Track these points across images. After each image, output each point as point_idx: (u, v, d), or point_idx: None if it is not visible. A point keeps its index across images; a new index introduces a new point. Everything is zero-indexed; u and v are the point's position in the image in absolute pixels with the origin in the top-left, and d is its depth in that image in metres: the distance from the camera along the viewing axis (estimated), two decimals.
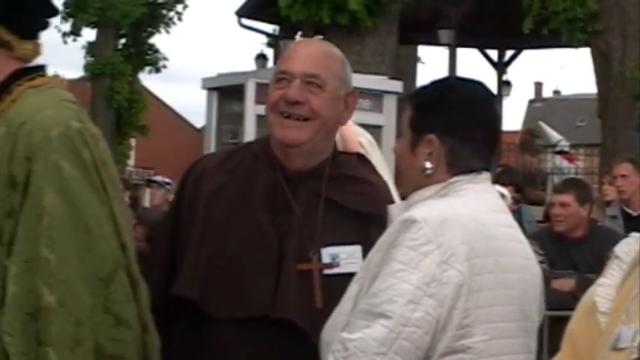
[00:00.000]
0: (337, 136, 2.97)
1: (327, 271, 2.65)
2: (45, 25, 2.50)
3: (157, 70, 28.10)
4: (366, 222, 2.70)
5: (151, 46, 27.98)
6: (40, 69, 2.47)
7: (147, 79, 31.34)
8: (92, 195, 2.29)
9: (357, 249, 2.67)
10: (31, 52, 2.43)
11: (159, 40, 45.79)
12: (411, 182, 2.48)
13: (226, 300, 2.63)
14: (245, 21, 18.71)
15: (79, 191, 2.27)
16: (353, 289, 2.35)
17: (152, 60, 27.91)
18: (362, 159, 2.93)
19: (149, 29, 27.59)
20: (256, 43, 35.09)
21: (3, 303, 2.24)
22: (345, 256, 2.67)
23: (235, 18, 18.57)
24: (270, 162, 2.74)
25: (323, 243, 2.67)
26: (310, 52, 2.76)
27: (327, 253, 2.66)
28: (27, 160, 2.26)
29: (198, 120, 38.01)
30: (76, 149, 2.29)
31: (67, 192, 2.26)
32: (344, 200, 2.72)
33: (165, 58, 28.16)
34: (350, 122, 3.05)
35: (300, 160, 2.72)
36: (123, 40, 27.09)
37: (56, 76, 2.50)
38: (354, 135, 3.35)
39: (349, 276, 2.47)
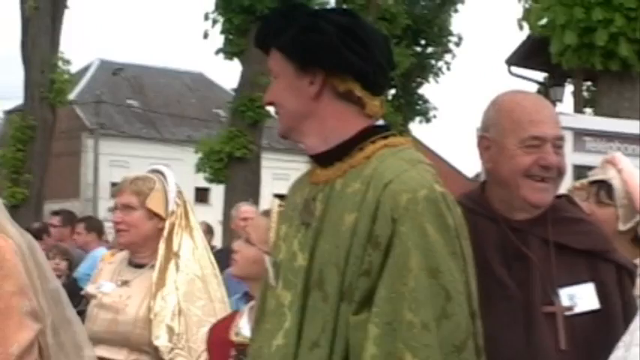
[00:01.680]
0: (620, 187, 3.34)
1: (567, 313, 2.68)
2: (390, 82, 2.58)
3: (428, 120, 28.65)
4: (593, 259, 2.75)
5: (421, 97, 28.63)
6: (387, 128, 2.49)
7: (417, 129, 31.86)
8: (452, 261, 2.26)
9: (590, 287, 2.72)
10: (378, 109, 2.45)
11: (428, 89, 46.43)
12: None
13: None
14: (515, 69, 19.08)
15: (441, 256, 2.25)
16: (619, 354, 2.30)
17: (422, 110, 28.53)
18: (569, 200, 2.96)
19: (418, 79, 28.26)
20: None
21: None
22: (580, 296, 2.70)
23: (505, 66, 19.01)
24: (491, 216, 2.76)
25: (560, 285, 2.70)
26: (550, 111, 2.80)
27: (565, 295, 2.70)
28: (392, 221, 2.25)
29: (470, 168, 38.19)
30: (440, 213, 2.27)
31: (431, 256, 2.24)
32: (572, 242, 2.75)
33: (434, 108, 28.73)
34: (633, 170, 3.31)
35: (525, 212, 2.76)
36: (393, 91, 27.48)
37: (406, 137, 2.55)
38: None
39: (586, 315, 2.65)
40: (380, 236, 2.25)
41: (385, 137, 2.42)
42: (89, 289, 4.03)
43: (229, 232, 13.59)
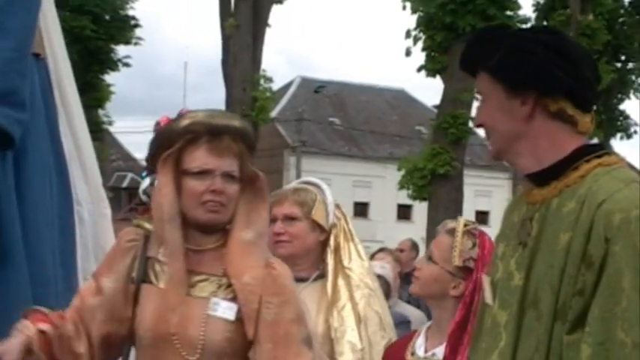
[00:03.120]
0: None
1: None
2: (597, 98, 2.54)
3: (629, 137, 27.99)
4: None
5: (622, 113, 27.99)
6: (601, 146, 2.48)
7: (618, 145, 31.19)
8: None
9: None
10: (589, 126, 2.44)
11: (629, 105, 45.19)
12: None
13: None
14: None
15: None
16: None
17: (623, 126, 27.89)
18: None
19: (619, 95, 27.65)
20: None
21: None
22: None
23: None
24: None
25: None
26: None
27: None
28: (605, 241, 2.23)
29: None
30: None
31: None
32: None
33: (635, 124, 28.02)
34: None
35: None
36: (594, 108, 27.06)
37: (618, 155, 2.48)
38: None
39: None
40: (593, 256, 2.24)
41: (599, 156, 2.40)
42: None
43: None
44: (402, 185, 20.00)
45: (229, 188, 2.99)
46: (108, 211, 3.71)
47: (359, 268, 3.85)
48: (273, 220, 3.80)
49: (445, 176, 18.85)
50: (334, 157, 42.46)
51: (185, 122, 3.01)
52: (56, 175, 3.39)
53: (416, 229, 26.59)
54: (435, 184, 18.95)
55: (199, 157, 2.98)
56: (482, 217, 41.52)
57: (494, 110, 2.46)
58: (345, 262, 3.84)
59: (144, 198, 4.88)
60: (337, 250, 3.85)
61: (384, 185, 39.78)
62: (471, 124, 19.14)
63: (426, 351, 3.25)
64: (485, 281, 2.55)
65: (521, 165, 2.48)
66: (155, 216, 3.01)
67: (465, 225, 3.30)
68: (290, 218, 3.81)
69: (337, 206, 3.93)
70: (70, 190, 3.46)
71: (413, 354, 3.27)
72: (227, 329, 2.97)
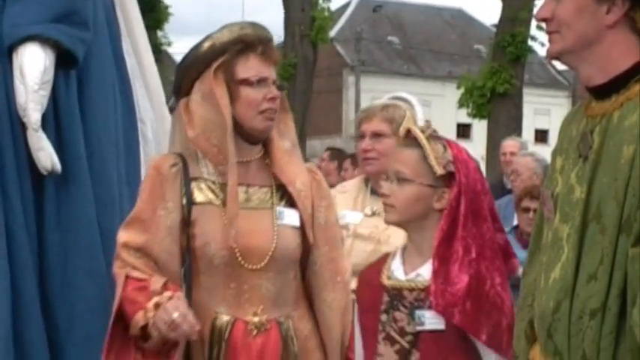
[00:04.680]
0: None
1: None
2: None
3: None
4: None
5: None
6: None
7: None
8: None
9: None
10: None
11: None
12: None
13: None
14: None
15: None
16: None
17: None
18: None
19: None
20: None
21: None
22: None
23: None
24: None
25: None
26: None
27: None
28: None
29: None
30: None
31: None
32: None
33: None
34: None
35: None
36: None
37: None
38: None
39: None
40: None
41: None
42: None
43: (492, 167, 13.56)
44: (461, 103, 19.85)
45: (279, 96, 3.04)
46: None
47: None
48: (361, 136, 3.85)
49: (504, 94, 18.65)
50: (393, 76, 42.22)
51: (232, 34, 3.00)
52: (120, 93, 3.41)
53: (475, 147, 26.45)
54: (495, 102, 18.76)
55: (254, 67, 3.00)
56: (541, 135, 41.29)
57: (575, 9, 2.38)
58: None
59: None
60: None
61: (443, 104, 39.52)
62: (530, 42, 18.94)
63: (405, 274, 2.87)
64: (545, 194, 2.54)
65: (584, 73, 2.43)
66: (206, 128, 2.98)
67: (423, 131, 2.91)
68: (378, 135, 3.79)
69: (427, 123, 3.90)
70: (134, 108, 3.48)
71: (390, 278, 2.89)
72: (296, 236, 3.03)
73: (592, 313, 2.27)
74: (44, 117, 3.08)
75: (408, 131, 2.89)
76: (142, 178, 3.42)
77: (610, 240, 2.27)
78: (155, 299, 2.87)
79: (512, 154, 7.94)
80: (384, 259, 2.97)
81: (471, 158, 2.93)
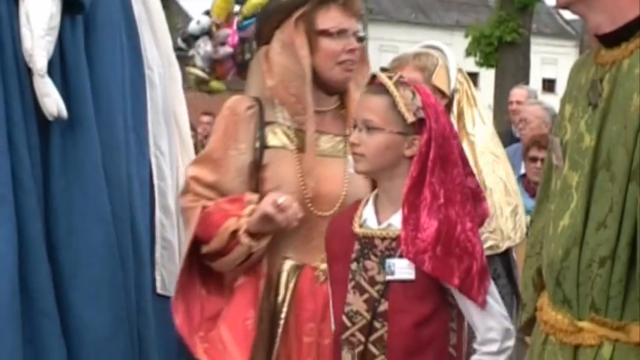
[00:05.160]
0: None
1: None
2: None
3: None
4: None
5: None
6: None
7: None
8: None
9: None
10: None
11: None
12: None
13: None
14: None
15: None
16: None
17: None
18: None
19: None
20: None
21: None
22: None
23: None
24: None
25: None
26: None
27: None
28: None
29: None
30: None
31: None
32: None
33: None
34: None
35: None
36: None
37: None
38: None
39: None
40: None
41: None
42: None
43: (499, 116, 13.53)
44: (469, 52, 19.81)
45: (359, 48, 3.06)
46: (178, 75, 3.71)
47: (483, 134, 3.83)
48: None
49: (512, 43, 18.58)
50: (401, 25, 42.02)
51: None
52: (127, 39, 3.39)
53: (482, 96, 26.38)
54: (502, 51, 18.71)
55: (335, 18, 3.02)
56: (549, 84, 41.12)
57: None
58: (469, 129, 3.82)
59: (182, 45, 4.74)
60: (460, 115, 3.83)
61: (451, 52, 39.35)
62: None
63: (379, 223, 2.81)
64: (553, 142, 2.53)
65: (593, 21, 2.41)
66: (285, 77, 3.03)
67: (390, 77, 2.80)
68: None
69: (460, 71, 3.86)
70: (141, 53, 3.46)
71: (362, 226, 2.82)
72: (366, 185, 3.06)
73: (601, 261, 2.27)
74: (50, 63, 3.07)
75: (374, 77, 2.83)
76: (149, 125, 3.42)
77: (619, 188, 2.26)
78: (251, 206, 2.94)
79: (520, 102, 7.92)
80: (355, 206, 2.90)
81: (438, 102, 2.88)
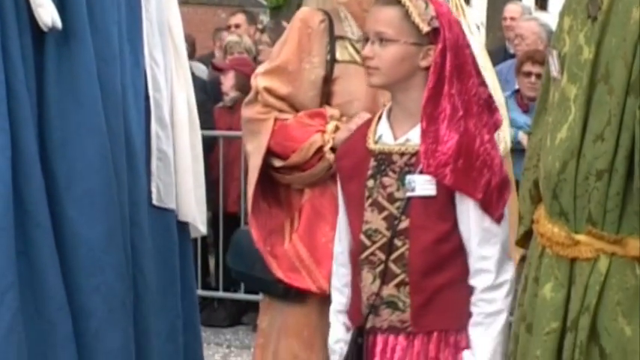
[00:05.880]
0: None
1: None
2: None
3: None
4: None
5: None
6: None
7: None
8: None
9: None
10: None
11: None
12: None
13: None
14: None
15: None
16: None
17: None
18: None
19: None
20: None
21: None
22: None
23: None
24: None
25: None
26: None
27: None
28: None
29: None
30: None
31: None
32: None
33: None
34: None
35: None
36: None
37: None
38: None
39: None
40: None
41: None
42: None
43: (492, 33, 13.45)
44: None
45: None
46: None
47: (472, 44, 3.80)
48: None
49: None
50: None
51: None
52: None
53: (474, 13, 26.22)
54: None
55: None
56: (541, 1, 40.80)
57: None
58: None
59: None
60: None
61: None
62: None
63: (395, 139, 2.77)
64: (552, 54, 2.51)
65: None
66: None
67: None
68: None
69: None
70: None
71: (377, 142, 2.78)
72: None
73: (598, 174, 2.27)
74: None
75: None
76: (144, 36, 3.38)
77: (618, 101, 2.26)
78: (334, 122, 2.97)
79: (514, 19, 7.88)
80: (367, 124, 2.86)
81: (450, 11, 2.85)
